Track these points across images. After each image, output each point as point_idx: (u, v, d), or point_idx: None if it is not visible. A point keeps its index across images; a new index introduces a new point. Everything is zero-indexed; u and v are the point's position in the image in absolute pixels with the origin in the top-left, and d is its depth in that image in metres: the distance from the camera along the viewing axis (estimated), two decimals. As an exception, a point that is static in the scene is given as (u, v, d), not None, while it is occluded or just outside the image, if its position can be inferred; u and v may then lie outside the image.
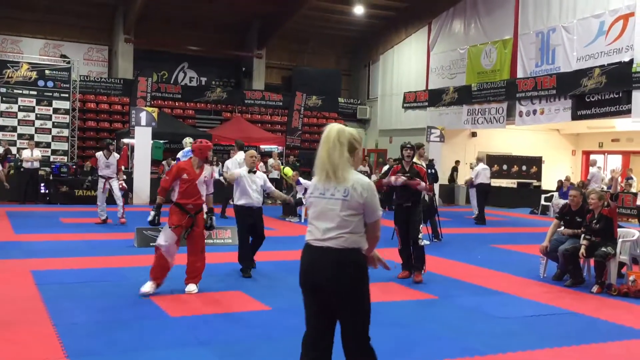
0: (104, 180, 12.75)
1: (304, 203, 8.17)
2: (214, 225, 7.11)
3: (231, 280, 7.60)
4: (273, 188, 8.48)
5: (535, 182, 23.43)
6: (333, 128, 3.48)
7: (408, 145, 8.22)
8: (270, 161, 17.21)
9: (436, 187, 14.35)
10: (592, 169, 17.91)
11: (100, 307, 6.11)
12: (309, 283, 3.45)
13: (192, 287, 6.80)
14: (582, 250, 7.77)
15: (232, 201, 8.49)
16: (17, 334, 5.14)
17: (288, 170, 10.55)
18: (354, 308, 3.41)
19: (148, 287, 6.54)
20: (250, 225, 7.91)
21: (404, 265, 8.19)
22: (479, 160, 16.40)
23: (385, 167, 11.94)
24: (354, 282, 3.39)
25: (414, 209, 8.12)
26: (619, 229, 8.13)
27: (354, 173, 3.44)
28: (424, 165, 11.39)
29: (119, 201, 12.92)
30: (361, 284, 3.43)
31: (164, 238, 6.62)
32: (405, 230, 8.13)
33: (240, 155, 11.98)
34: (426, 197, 11.31)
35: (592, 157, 19.88)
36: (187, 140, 13.44)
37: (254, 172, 7.93)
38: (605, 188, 15.02)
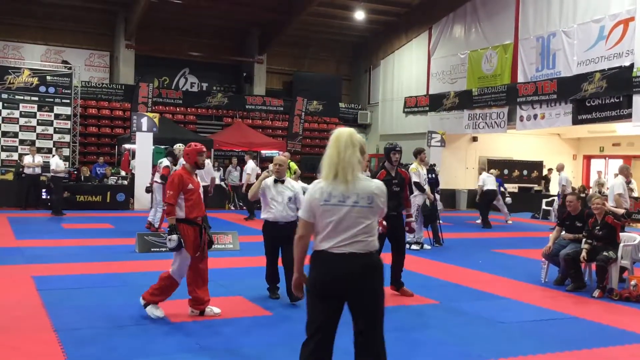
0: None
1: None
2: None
3: (232, 285, 7.59)
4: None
5: (536, 187, 23.42)
6: (344, 130, 3.51)
7: (397, 148, 7.39)
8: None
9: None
10: (561, 174, 16.55)
11: (102, 312, 6.11)
12: (332, 290, 3.41)
13: (217, 309, 6.23)
14: (584, 254, 7.77)
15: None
16: (19, 340, 5.14)
17: (293, 165, 10.48)
18: (378, 309, 3.46)
19: (159, 312, 6.00)
20: (276, 245, 6.85)
21: None
22: (482, 169, 16.87)
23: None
24: (380, 285, 3.48)
25: (399, 220, 7.37)
26: (620, 233, 8.13)
27: (367, 177, 3.51)
28: (424, 170, 11.48)
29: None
30: (383, 284, 3.53)
31: (180, 266, 5.99)
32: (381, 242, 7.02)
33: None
34: (427, 202, 11.33)
35: (559, 162, 17.72)
36: (180, 147, 12.25)
37: (282, 182, 6.80)
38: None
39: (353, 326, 3.47)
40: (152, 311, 5.99)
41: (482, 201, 16.06)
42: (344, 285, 3.40)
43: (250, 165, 16.00)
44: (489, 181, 16.01)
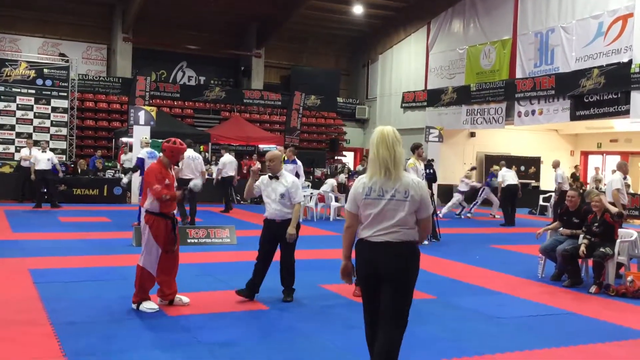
0: None
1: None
2: None
3: (229, 279, 7.59)
4: (298, 199, 6.58)
5: (533, 183, 23.43)
6: (387, 128, 3.79)
7: None
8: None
9: (435, 187, 14.34)
10: (557, 171, 16.42)
11: (99, 306, 6.11)
12: (370, 275, 3.78)
13: (186, 299, 6.26)
14: (583, 248, 7.77)
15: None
16: (15, 333, 5.13)
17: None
18: (404, 294, 3.76)
19: (152, 304, 6.02)
20: (271, 242, 6.68)
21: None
22: (502, 164, 16.92)
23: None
24: (410, 271, 3.78)
25: None
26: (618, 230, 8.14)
27: (406, 173, 3.81)
28: (422, 165, 11.48)
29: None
30: (415, 272, 3.82)
31: (150, 258, 6.04)
32: None
33: (188, 152, 11.64)
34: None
35: (554, 159, 17.45)
36: (144, 139, 12.68)
37: (277, 178, 6.56)
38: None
39: (381, 309, 3.76)
40: (145, 306, 5.99)
41: (504, 198, 16.01)
42: (378, 271, 3.73)
43: (223, 159, 15.79)
44: (509, 176, 16.05)
